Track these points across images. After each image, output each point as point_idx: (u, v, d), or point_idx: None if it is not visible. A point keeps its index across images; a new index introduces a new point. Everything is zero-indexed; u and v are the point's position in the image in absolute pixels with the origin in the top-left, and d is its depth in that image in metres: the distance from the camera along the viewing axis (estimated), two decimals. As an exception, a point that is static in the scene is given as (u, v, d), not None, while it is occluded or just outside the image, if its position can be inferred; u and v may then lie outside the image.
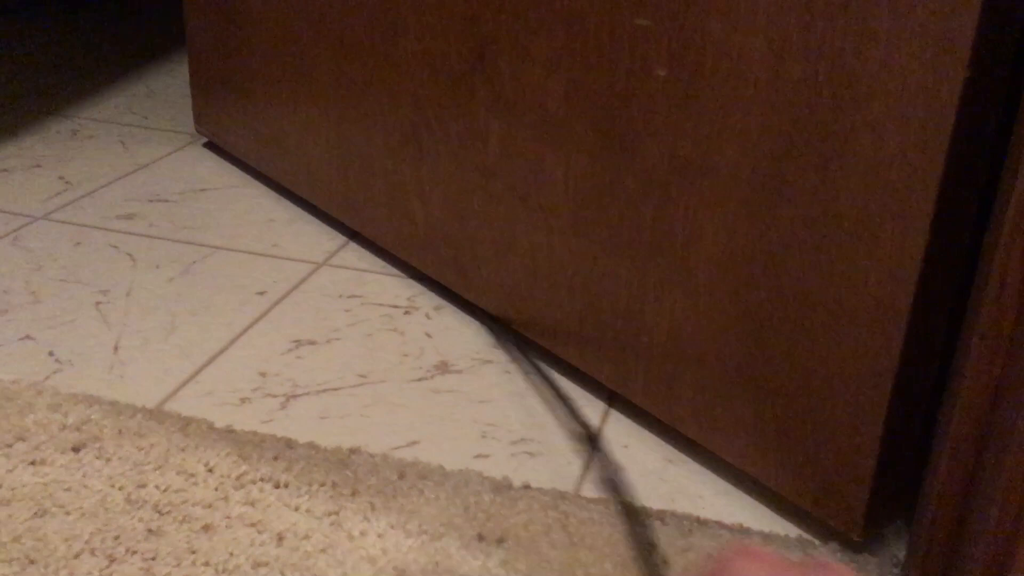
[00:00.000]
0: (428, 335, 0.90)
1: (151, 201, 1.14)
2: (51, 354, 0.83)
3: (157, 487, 0.64)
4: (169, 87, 1.55)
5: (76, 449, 0.67)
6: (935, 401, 0.62)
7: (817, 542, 0.66)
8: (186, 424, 0.72)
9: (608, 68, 0.73)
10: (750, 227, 0.66)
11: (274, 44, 1.10)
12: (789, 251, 0.64)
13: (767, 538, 0.65)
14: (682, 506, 0.68)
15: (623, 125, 0.73)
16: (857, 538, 0.64)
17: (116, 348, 0.84)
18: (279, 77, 1.10)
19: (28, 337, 0.85)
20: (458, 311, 0.94)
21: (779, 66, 0.62)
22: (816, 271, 0.63)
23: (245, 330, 0.89)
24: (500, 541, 0.61)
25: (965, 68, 0.53)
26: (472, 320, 0.93)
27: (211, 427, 0.72)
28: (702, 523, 0.65)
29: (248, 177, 1.22)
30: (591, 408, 0.80)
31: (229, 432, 0.72)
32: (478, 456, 0.73)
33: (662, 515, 0.66)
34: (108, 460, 0.67)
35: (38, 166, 1.22)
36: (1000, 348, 0.50)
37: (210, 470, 0.66)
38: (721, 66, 0.65)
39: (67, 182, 1.18)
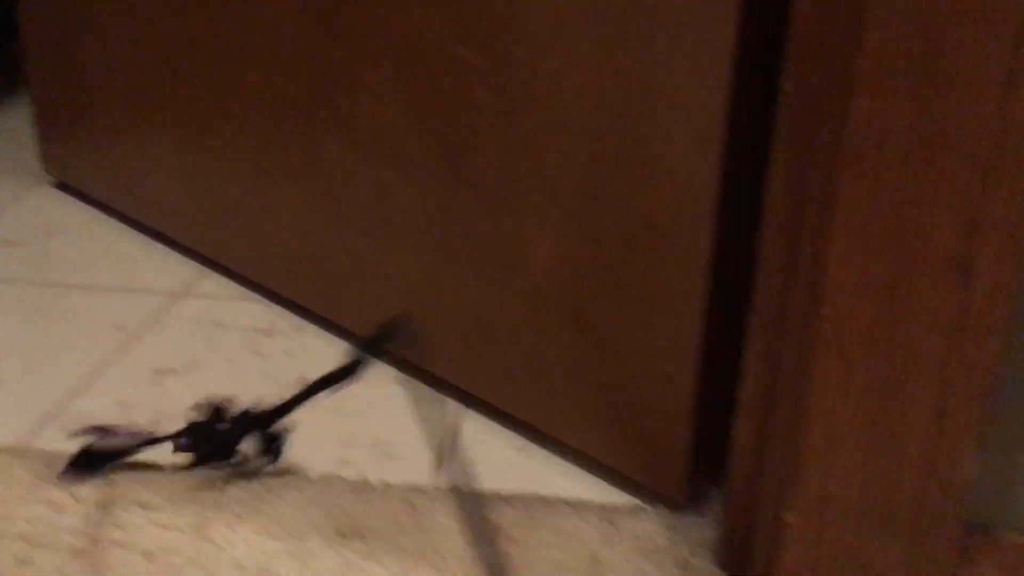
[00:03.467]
0: (289, 355, 0.94)
1: (1, 245, 1.14)
2: (-95, 403, 0.83)
3: (25, 519, 0.67)
4: (11, 129, 1.53)
5: (-61, 491, 0.69)
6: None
7: (649, 508, 0.73)
8: (50, 458, 0.74)
9: (437, 95, 0.79)
10: (572, 232, 0.73)
11: (119, 81, 1.12)
12: (606, 251, 0.71)
13: (605, 509, 0.72)
14: (528, 488, 0.75)
15: (455, 146, 0.79)
16: (682, 501, 0.72)
17: (-26, 392, 0.85)
18: (127, 114, 1.12)
19: None
20: (319, 330, 0.98)
21: (582, 86, 0.69)
22: (629, 267, 0.70)
23: (104, 365, 0.91)
24: (359, 535, 0.67)
25: (729, 82, 0.61)
26: (333, 337, 0.97)
27: (76, 459, 0.74)
28: (545, 501, 0.72)
29: (101, 215, 1.23)
30: (447, 409, 0.86)
31: (94, 462, 0.74)
32: (341, 462, 0.78)
33: (510, 498, 0.72)
34: (-28, 499, 0.68)
35: None
36: (772, 322, 0.59)
37: (77, 499, 0.69)
38: (534, 89, 0.72)
39: (-90, 232, 1.16)
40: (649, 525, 0.70)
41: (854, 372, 0.51)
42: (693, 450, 0.71)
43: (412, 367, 0.91)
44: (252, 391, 0.87)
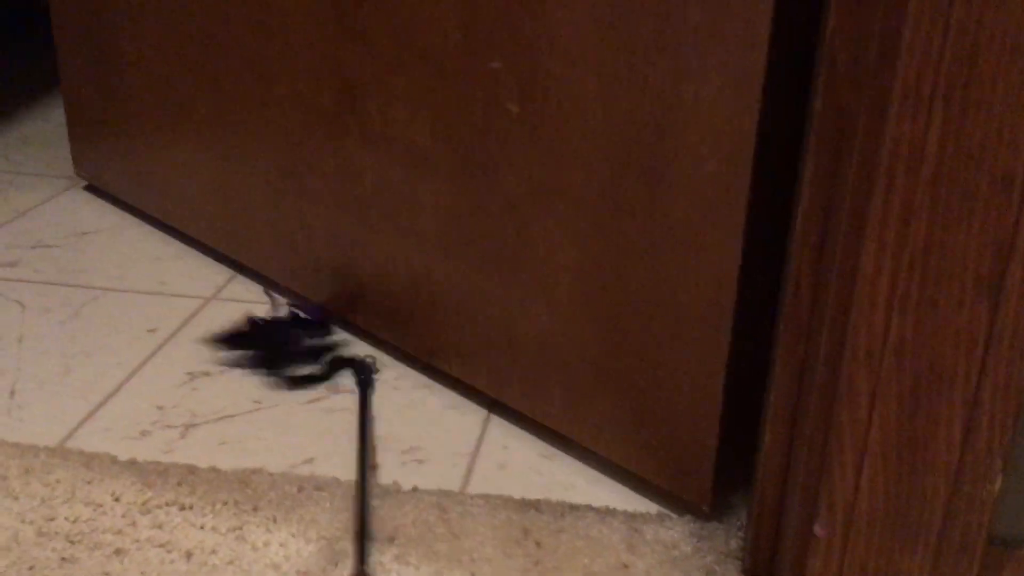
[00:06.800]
0: (318, 358, 0.96)
1: (34, 247, 1.16)
2: (-53, 403, 0.85)
3: (67, 519, 0.69)
4: (43, 132, 1.55)
5: (-17, 490, 0.71)
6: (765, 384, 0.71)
7: (674, 515, 0.74)
8: (90, 459, 0.76)
9: (466, 105, 0.81)
10: (598, 241, 0.74)
11: (151, 87, 1.14)
12: (632, 261, 0.73)
13: (631, 516, 0.73)
14: (556, 495, 0.76)
15: (483, 155, 0.81)
16: (707, 509, 0.73)
17: (13, 393, 0.87)
18: (158, 119, 1.14)
19: (-79, 389, 0.87)
20: (346, 335, 1.00)
21: (610, 100, 0.70)
22: (655, 277, 0.72)
23: (139, 367, 0.93)
24: (391, 539, 0.68)
25: (759, 100, 0.63)
26: (359, 342, 0.99)
27: (114, 460, 0.76)
28: (573, 508, 0.73)
29: (131, 218, 1.25)
30: (474, 414, 0.88)
31: (132, 463, 0.76)
32: (372, 467, 0.80)
33: (537, 504, 0.74)
34: (16, 498, 0.70)
35: (-86, 218, 1.22)
36: (800, 335, 0.60)
37: (117, 499, 0.71)
38: (564, 101, 0.74)
39: (-54, 233, 1.19)
40: (675, 533, 0.71)
41: (883, 386, 0.52)
42: (719, 459, 0.72)
43: (439, 372, 0.92)
44: (283, 394, 0.89)
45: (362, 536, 0.66)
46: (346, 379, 0.91)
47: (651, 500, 0.77)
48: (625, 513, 0.74)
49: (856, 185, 0.51)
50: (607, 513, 0.73)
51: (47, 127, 1.57)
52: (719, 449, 0.72)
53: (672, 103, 0.67)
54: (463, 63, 0.80)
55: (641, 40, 0.67)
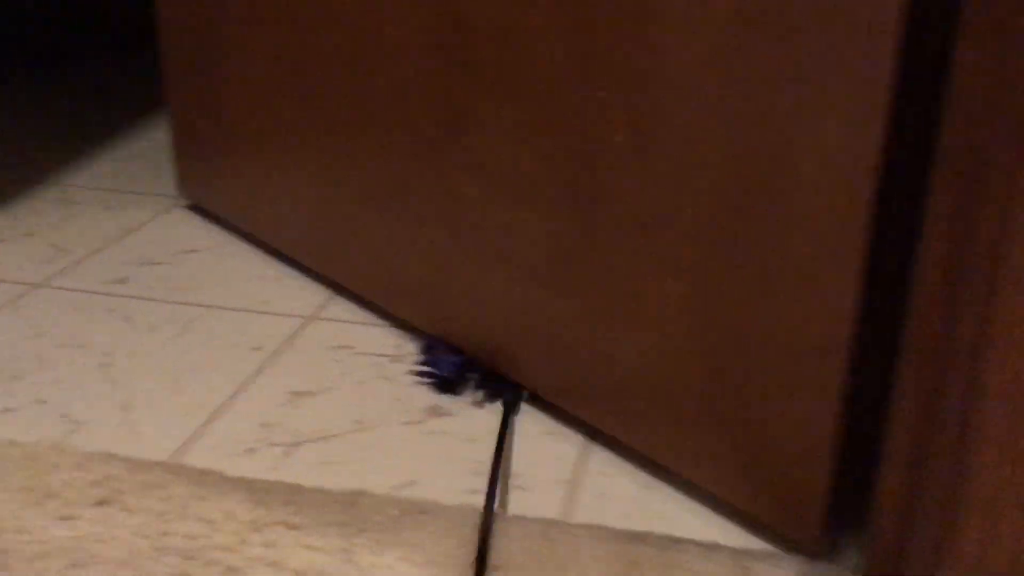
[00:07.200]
0: (417, 381, 0.96)
1: (143, 264, 1.20)
2: (65, 415, 0.88)
3: (181, 535, 0.70)
4: (150, 151, 1.61)
5: (102, 503, 0.73)
6: (882, 420, 0.70)
7: (783, 553, 0.73)
8: (201, 475, 0.78)
9: (573, 135, 0.81)
10: (708, 276, 0.74)
11: (255, 110, 1.17)
12: (742, 294, 0.72)
13: (737, 553, 0.72)
14: (660, 527, 0.75)
15: (590, 186, 0.81)
16: (819, 549, 0.72)
17: (125, 407, 0.90)
18: (262, 142, 1.17)
19: (41, 400, 0.90)
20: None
21: (724, 132, 0.70)
22: (766, 314, 0.70)
23: (245, 384, 0.95)
24: (496, 567, 0.68)
25: (882, 135, 0.61)
26: (456, 365, 0.99)
27: (224, 477, 0.78)
28: (678, 542, 0.72)
29: (233, 237, 1.28)
30: (572, 442, 0.87)
31: (242, 480, 0.78)
32: (471, 492, 0.80)
33: (644, 536, 0.73)
34: (132, 512, 0.72)
35: (30, 235, 1.28)
36: (927, 371, 0.58)
37: (228, 516, 0.72)
38: (674, 133, 0.73)
39: (60, 249, 1.23)
40: (784, 572, 0.70)
41: (1022, 429, 0.50)
42: (831, 497, 0.70)
43: (537, 399, 0.92)
44: (383, 415, 0.90)
45: (482, 564, 0.67)
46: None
47: (757, 536, 0.75)
48: (731, 549, 0.72)
49: (992, 226, 0.50)
50: (713, 548, 0.72)
51: (151, 146, 1.63)
52: (831, 487, 0.70)
53: (791, 137, 0.66)
54: (570, 92, 0.80)
55: (759, 74, 0.67)
